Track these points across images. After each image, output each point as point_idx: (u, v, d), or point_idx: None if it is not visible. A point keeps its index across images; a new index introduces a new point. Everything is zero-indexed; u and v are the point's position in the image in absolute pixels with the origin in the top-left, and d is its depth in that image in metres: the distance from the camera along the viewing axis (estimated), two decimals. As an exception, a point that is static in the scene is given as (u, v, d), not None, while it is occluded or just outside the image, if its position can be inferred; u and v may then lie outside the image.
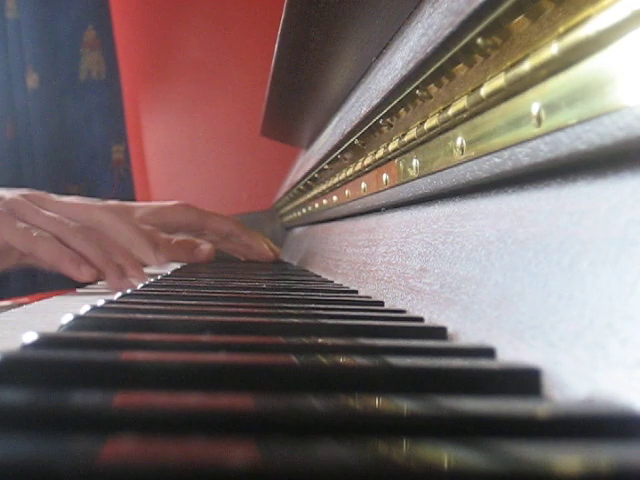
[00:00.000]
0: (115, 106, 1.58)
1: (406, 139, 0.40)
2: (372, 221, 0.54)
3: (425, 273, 0.35)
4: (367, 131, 0.50)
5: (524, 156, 0.26)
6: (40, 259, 0.62)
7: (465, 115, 0.31)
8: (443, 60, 0.32)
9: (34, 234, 0.61)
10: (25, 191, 0.69)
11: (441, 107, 0.34)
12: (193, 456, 0.13)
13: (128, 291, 0.41)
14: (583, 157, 0.22)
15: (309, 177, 0.80)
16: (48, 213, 0.65)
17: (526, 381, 0.20)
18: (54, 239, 0.62)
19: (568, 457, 0.14)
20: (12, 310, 0.41)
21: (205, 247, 0.89)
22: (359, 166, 0.54)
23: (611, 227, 0.20)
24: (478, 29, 0.27)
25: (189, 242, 0.86)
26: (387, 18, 0.49)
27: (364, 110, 0.48)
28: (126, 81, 1.63)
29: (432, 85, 0.35)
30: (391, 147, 0.43)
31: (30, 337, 0.23)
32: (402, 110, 0.41)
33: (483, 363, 0.22)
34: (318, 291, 0.47)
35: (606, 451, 0.14)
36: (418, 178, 0.39)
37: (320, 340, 0.26)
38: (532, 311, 0.23)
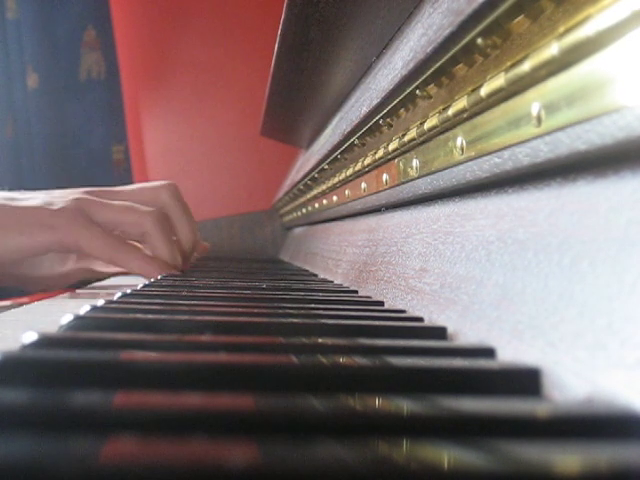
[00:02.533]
0: (115, 106, 1.58)
1: (406, 139, 0.40)
2: (372, 221, 0.54)
3: (425, 273, 0.35)
4: (367, 131, 0.50)
5: (524, 156, 0.26)
6: (122, 266, 0.60)
7: (465, 115, 0.31)
8: (443, 60, 0.32)
9: (115, 243, 0.58)
10: (86, 189, 0.64)
11: (441, 107, 0.34)
12: (193, 456, 0.13)
13: (128, 291, 0.41)
14: (583, 157, 0.22)
15: (309, 177, 0.80)
16: (118, 203, 0.62)
17: (526, 381, 0.20)
18: (136, 249, 0.60)
19: (568, 457, 0.14)
20: (12, 310, 0.41)
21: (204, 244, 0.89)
22: (359, 166, 0.54)
23: (611, 227, 0.20)
24: (478, 29, 0.27)
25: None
26: (387, 18, 0.49)
27: (364, 110, 0.48)
28: (126, 81, 1.63)
29: (432, 85, 0.35)
30: (391, 147, 0.43)
31: (30, 337, 0.23)
32: (402, 110, 0.41)
33: (483, 363, 0.22)
34: (318, 291, 0.47)
35: (606, 451, 0.14)
36: (418, 178, 0.39)
37: (320, 340, 0.26)
38: (532, 311, 0.23)
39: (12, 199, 0.60)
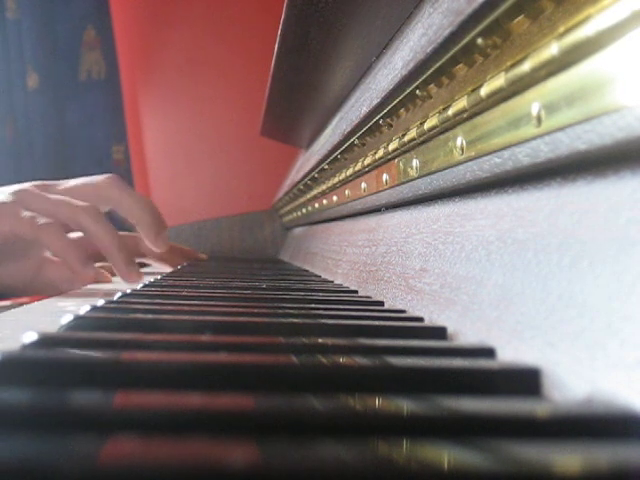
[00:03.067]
0: (115, 106, 1.58)
1: (406, 139, 0.40)
2: (372, 221, 0.54)
3: (425, 273, 0.35)
4: (367, 131, 0.50)
5: (524, 156, 0.26)
6: (47, 246, 0.60)
7: (465, 115, 0.31)
8: (443, 60, 0.32)
9: (40, 221, 0.59)
10: (33, 182, 0.66)
11: (441, 107, 0.34)
12: (193, 456, 0.13)
13: (128, 291, 0.41)
14: (583, 157, 0.22)
15: (309, 177, 0.80)
16: (55, 196, 0.62)
17: (526, 381, 0.20)
18: (61, 228, 0.60)
19: (568, 457, 0.14)
20: (12, 310, 0.41)
21: (203, 255, 0.90)
22: (359, 166, 0.54)
23: (611, 227, 0.20)
24: (478, 29, 0.27)
25: (188, 250, 0.86)
26: (387, 18, 0.49)
27: (364, 110, 0.48)
28: (126, 81, 1.63)
29: (432, 85, 0.35)
30: (391, 147, 0.43)
31: (30, 337, 0.23)
32: (402, 110, 0.41)
33: (483, 363, 0.22)
34: (318, 291, 0.47)
35: (606, 451, 0.14)
36: (418, 178, 0.39)
37: (320, 340, 0.26)
38: (532, 311, 0.23)
39: None
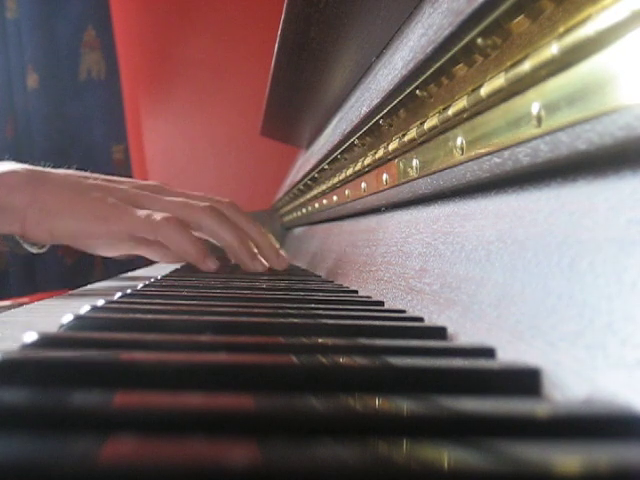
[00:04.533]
0: (115, 106, 1.58)
1: (406, 139, 0.40)
2: (372, 221, 0.54)
3: (425, 273, 0.35)
4: (367, 131, 0.50)
5: (524, 156, 0.26)
6: (165, 241, 0.62)
7: (465, 115, 0.31)
8: (443, 60, 0.32)
9: (157, 218, 0.61)
10: (147, 182, 0.70)
11: (441, 107, 0.34)
12: (193, 456, 0.13)
13: (128, 291, 0.41)
14: (583, 157, 0.22)
15: (309, 177, 0.80)
16: (170, 198, 0.65)
17: (526, 381, 0.20)
18: (179, 223, 0.62)
19: (568, 457, 0.14)
20: (12, 310, 0.41)
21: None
22: (359, 166, 0.54)
23: (611, 227, 0.20)
24: (478, 29, 0.27)
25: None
26: (387, 18, 0.49)
27: (364, 110, 0.48)
28: (126, 81, 1.63)
29: (432, 85, 0.35)
30: (391, 147, 0.43)
31: (30, 337, 0.23)
32: (402, 110, 0.41)
33: (483, 363, 0.22)
34: (318, 291, 0.47)
35: (606, 451, 0.14)
36: (418, 178, 0.39)
37: (320, 340, 0.26)
38: (532, 311, 0.23)
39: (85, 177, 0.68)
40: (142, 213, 0.62)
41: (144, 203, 0.65)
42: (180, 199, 0.66)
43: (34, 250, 0.68)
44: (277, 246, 0.73)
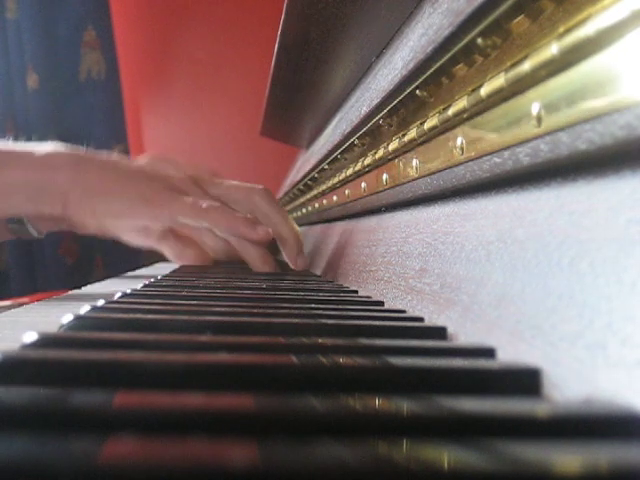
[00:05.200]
0: (115, 106, 1.58)
1: (406, 139, 0.40)
2: (372, 221, 0.54)
3: (425, 273, 0.35)
4: (367, 131, 0.50)
5: (524, 156, 0.26)
6: (214, 225, 0.64)
7: (465, 115, 0.31)
8: (443, 60, 0.32)
9: (204, 205, 0.63)
10: (190, 172, 0.71)
11: (441, 107, 0.34)
12: (193, 456, 0.13)
13: (128, 291, 0.41)
14: (583, 157, 0.22)
15: (309, 177, 0.80)
16: (212, 195, 0.67)
17: (526, 381, 0.20)
18: (225, 207, 0.64)
19: (568, 457, 0.14)
20: (12, 310, 0.41)
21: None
22: (359, 166, 0.54)
23: (611, 227, 0.20)
24: (478, 29, 0.27)
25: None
26: (387, 18, 0.49)
27: (364, 110, 0.48)
28: (126, 81, 1.63)
29: (432, 85, 0.35)
30: (391, 147, 0.43)
31: (30, 337, 0.23)
32: (402, 110, 0.41)
33: (483, 363, 0.22)
34: (318, 291, 0.47)
35: (606, 451, 0.14)
36: (418, 178, 0.39)
37: (320, 340, 0.26)
38: (532, 311, 0.23)
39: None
40: (189, 199, 0.64)
41: (189, 191, 0.66)
42: (217, 204, 0.67)
43: (36, 234, 0.69)
44: (302, 246, 0.73)
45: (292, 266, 0.71)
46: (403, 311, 0.35)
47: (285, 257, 0.71)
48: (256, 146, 1.61)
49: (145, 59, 1.74)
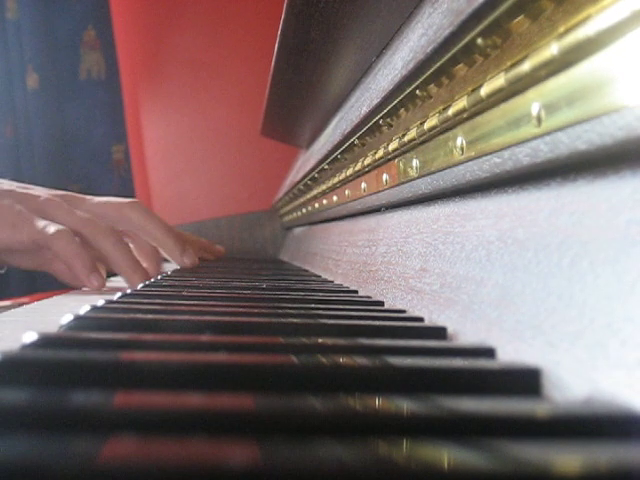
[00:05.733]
0: (115, 106, 1.58)
1: (406, 139, 0.40)
2: (372, 221, 0.54)
3: (425, 273, 0.35)
4: (367, 131, 0.50)
5: (524, 156, 0.26)
6: (56, 254, 0.62)
7: (465, 115, 0.31)
8: (443, 60, 0.32)
9: (52, 229, 0.61)
10: (62, 192, 0.70)
11: (441, 107, 0.34)
12: (193, 456, 0.13)
13: (128, 291, 0.41)
14: (583, 157, 0.22)
15: (309, 177, 0.80)
16: (80, 213, 0.65)
17: (526, 381, 0.20)
18: (73, 237, 0.62)
19: (568, 457, 0.14)
20: (12, 310, 0.41)
21: (219, 247, 0.95)
22: (359, 166, 0.54)
23: (611, 227, 0.20)
24: (478, 29, 0.27)
25: (205, 242, 0.91)
26: (387, 18, 0.49)
27: (364, 110, 0.48)
28: (126, 81, 1.63)
29: (432, 85, 0.35)
30: (391, 147, 0.43)
31: (30, 337, 0.23)
32: (402, 110, 0.41)
33: (483, 363, 0.22)
34: (318, 291, 0.47)
35: (606, 451, 0.14)
36: (418, 178, 0.39)
37: (320, 340, 0.26)
38: (532, 311, 0.23)
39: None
40: (41, 223, 0.62)
41: (52, 214, 0.64)
42: (88, 216, 0.65)
43: None
44: (184, 246, 0.73)
45: (179, 266, 0.72)
46: (403, 311, 0.35)
47: (171, 261, 0.73)
48: (256, 146, 1.61)
49: (145, 59, 1.74)
